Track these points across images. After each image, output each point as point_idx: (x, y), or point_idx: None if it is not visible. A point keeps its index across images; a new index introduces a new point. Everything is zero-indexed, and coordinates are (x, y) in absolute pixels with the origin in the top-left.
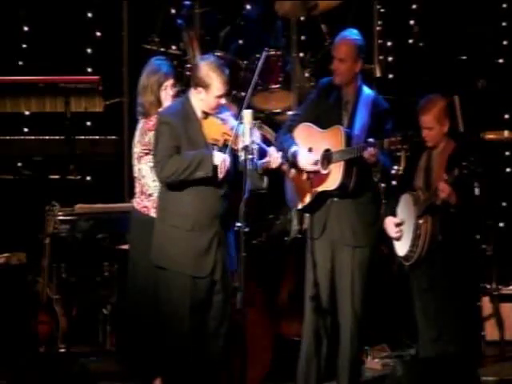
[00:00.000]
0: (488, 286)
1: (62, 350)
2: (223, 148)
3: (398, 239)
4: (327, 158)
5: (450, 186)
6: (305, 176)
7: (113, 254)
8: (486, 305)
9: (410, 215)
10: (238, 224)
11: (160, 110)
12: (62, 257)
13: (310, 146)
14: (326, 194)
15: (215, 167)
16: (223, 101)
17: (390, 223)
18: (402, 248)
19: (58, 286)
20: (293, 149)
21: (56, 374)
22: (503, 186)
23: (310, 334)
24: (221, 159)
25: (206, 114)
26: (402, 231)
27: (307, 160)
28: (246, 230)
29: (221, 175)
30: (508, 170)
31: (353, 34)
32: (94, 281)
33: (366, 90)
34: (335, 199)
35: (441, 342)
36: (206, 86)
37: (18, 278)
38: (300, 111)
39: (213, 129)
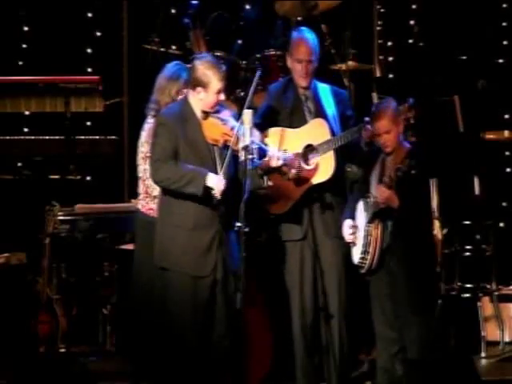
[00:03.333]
0: (488, 286)
1: (62, 350)
2: (223, 148)
3: (352, 244)
4: (310, 152)
5: (388, 190)
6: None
7: (113, 254)
8: (486, 305)
9: (363, 222)
10: (238, 224)
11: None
12: (62, 257)
13: (284, 148)
14: (308, 193)
15: (208, 188)
16: (222, 96)
17: (345, 226)
18: (356, 255)
19: (58, 286)
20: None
21: (56, 374)
22: (503, 185)
23: (301, 335)
24: (215, 181)
25: (206, 115)
26: (356, 237)
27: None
28: (246, 229)
29: (218, 196)
30: (508, 169)
31: (309, 32)
32: (94, 281)
33: (320, 84)
34: (315, 196)
35: (400, 344)
36: (204, 85)
37: (18, 278)
38: (257, 119)
39: (213, 129)
